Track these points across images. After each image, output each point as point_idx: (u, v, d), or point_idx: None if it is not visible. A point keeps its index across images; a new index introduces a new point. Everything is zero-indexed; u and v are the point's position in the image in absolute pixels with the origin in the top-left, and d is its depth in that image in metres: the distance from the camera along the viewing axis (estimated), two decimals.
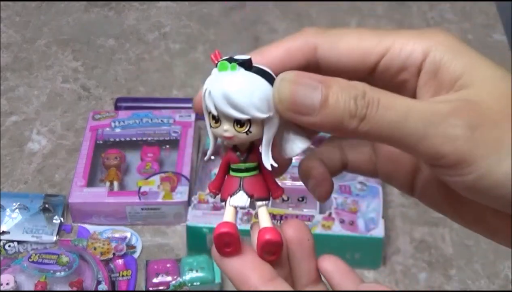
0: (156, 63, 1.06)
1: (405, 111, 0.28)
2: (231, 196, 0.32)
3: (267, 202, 0.33)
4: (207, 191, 0.34)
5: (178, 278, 0.74)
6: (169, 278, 0.74)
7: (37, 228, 0.82)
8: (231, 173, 0.32)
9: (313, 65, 0.33)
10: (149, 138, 0.90)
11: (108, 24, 1.14)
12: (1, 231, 0.81)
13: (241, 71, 0.30)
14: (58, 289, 0.74)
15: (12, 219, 0.82)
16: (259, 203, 0.32)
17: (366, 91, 0.29)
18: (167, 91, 1.01)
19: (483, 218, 0.33)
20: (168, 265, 0.76)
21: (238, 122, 0.30)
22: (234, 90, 0.30)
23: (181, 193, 0.82)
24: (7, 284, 0.73)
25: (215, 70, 0.31)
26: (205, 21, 1.14)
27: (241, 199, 0.32)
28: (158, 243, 0.82)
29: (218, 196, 0.33)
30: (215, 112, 0.30)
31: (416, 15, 1.16)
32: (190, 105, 0.95)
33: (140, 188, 0.83)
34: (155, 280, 0.74)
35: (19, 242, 0.80)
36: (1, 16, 1.15)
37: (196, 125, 0.91)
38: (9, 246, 0.80)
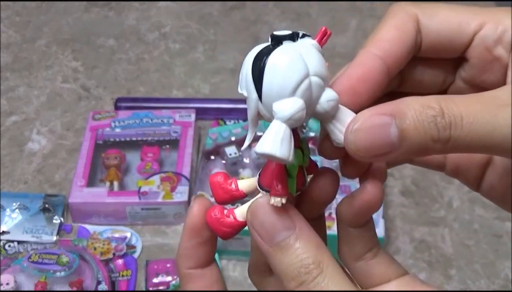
0: (156, 63, 1.06)
1: (492, 121, 0.27)
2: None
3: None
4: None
5: (178, 278, 0.74)
6: (169, 278, 0.74)
7: (37, 228, 0.82)
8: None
9: (418, 39, 0.32)
10: (149, 138, 0.90)
11: (108, 24, 1.14)
12: (1, 231, 0.81)
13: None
14: (58, 289, 0.74)
15: (12, 219, 0.82)
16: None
17: (443, 109, 0.27)
18: (167, 91, 1.01)
19: None
20: (168, 265, 0.76)
21: None
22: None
23: (181, 193, 0.82)
24: (7, 284, 0.73)
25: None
26: (205, 21, 1.14)
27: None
28: (158, 243, 0.82)
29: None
30: None
31: None
32: (190, 105, 0.95)
33: (140, 188, 0.83)
34: (155, 280, 0.75)
35: (19, 242, 0.80)
36: (1, 16, 1.15)
37: (196, 125, 0.91)
38: (9, 246, 0.80)
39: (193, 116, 0.91)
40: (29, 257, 0.75)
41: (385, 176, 0.32)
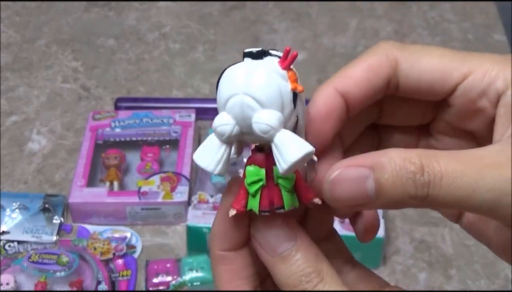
0: (156, 63, 1.06)
1: (472, 184, 0.26)
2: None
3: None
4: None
5: (178, 278, 0.74)
6: (169, 278, 0.74)
7: (37, 228, 0.82)
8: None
9: (393, 82, 0.31)
10: (149, 138, 0.90)
11: (108, 24, 1.14)
12: (1, 231, 0.81)
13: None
14: (58, 289, 0.74)
15: (12, 219, 0.82)
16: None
17: (424, 166, 0.26)
18: (167, 91, 1.01)
19: None
20: (168, 265, 0.76)
21: None
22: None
23: (181, 193, 0.82)
24: (7, 284, 0.73)
25: None
26: (205, 21, 1.14)
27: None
28: (158, 243, 0.82)
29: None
30: None
31: (416, 15, 1.16)
32: (190, 105, 0.95)
33: (140, 188, 0.83)
34: (155, 280, 0.75)
35: (19, 242, 0.80)
36: (1, 16, 1.15)
37: (196, 125, 0.91)
38: (9, 246, 0.80)
39: (193, 116, 0.91)
40: (29, 257, 0.75)
41: (378, 224, 0.33)
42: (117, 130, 0.90)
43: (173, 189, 0.83)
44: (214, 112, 0.30)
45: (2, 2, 1.17)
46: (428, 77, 0.31)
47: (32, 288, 0.73)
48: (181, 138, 0.89)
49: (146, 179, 0.85)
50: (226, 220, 0.31)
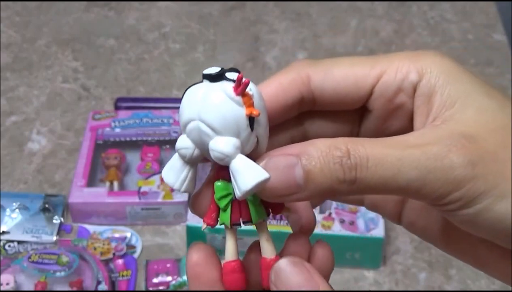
0: (156, 63, 1.06)
1: (397, 164, 0.27)
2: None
3: (269, 217, 0.31)
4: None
5: (178, 278, 0.74)
6: (169, 278, 0.74)
7: (37, 228, 0.82)
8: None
9: (308, 98, 0.32)
10: (149, 138, 0.90)
11: (108, 24, 1.14)
12: (1, 231, 0.81)
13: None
14: (58, 289, 0.74)
15: (12, 219, 0.82)
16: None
17: (350, 150, 0.27)
18: (167, 91, 1.01)
19: (474, 250, 0.32)
20: (168, 265, 0.76)
21: None
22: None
23: (181, 193, 0.82)
24: (7, 284, 0.73)
25: None
26: (205, 21, 1.14)
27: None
28: (158, 243, 0.82)
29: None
30: None
31: (416, 15, 1.16)
32: None
33: (140, 188, 0.83)
34: (155, 280, 0.75)
35: (19, 242, 0.80)
36: (1, 16, 1.15)
37: None
38: (9, 246, 0.80)
39: None
40: (29, 257, 0.75)
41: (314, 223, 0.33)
42: (117, 130, 0.90)
43: (173, 189, 0.82)
44: None
45: (2, 2, 1.17)
46: (342, 86, 0.31)
47: (32, 288, 0.73)
48: None
49: (146, 179, 0.85)
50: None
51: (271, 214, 0.31)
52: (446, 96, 0.29)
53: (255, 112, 0.28)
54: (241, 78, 0.28)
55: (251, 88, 0.29)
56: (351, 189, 0.27)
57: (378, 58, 0.31)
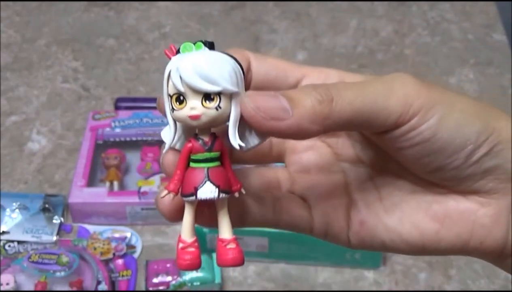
0: (156, 63, 1.06)
1: (362, 85, 0.31)
2: (197, 189, 0.31)
3: (228, 196, 0.31)
4: (164, 192, 0.33)
5: (178, 278, 0.74)
6: (169, 278, 0.74)
7: (37, 228, 0.82)
8: (193, 165, 0.31)
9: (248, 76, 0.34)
10: (149, 138, 0.90)
11: (108, 24, 1.14)
12: (1, 231, 0.81)
13: (207, 49, 0.30)
14: (58, 289, 0.74)
15: (12, 219, 0.82)
16: (221, 197, 0.31)
17: (319, 84, 0.30)
18: None
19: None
20: (168, 265, 0.76)
21: (207, 98, 0.30)
22: (205, 62, 0.29)
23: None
24: (7, 284, 0.73)
25: (176, 56, 0.32)
26: (205, 21, 1.14)
27: (209, 190, 0.30)
28: (158, 243, 0.82)
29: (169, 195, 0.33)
30: (182, 89, 0.30)
31: (416, 15, 1.16)
32: None
33: (140, 188, 0.83)
34: (155, 280, 0.75)
35: (19, 242, 0.80)
36: (1, 16, 1.15)
37: None
38: (9, 246, 0.80)
39: None
40: (29, 257, 0.75)
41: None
42: (117, 130, 0.90)
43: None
44: None
45: (2, 2, 1.17)
46: (274, 73, 0.34)
47: (32, 288, 0.73)
48: None
49: (146, 179, 0.85)
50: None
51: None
52: None
53: None
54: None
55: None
56: (332, 110, 0.29)
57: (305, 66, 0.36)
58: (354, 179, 0.36)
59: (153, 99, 1.06)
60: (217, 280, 0.74)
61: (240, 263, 0.31)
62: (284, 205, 0.35)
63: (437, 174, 0.32)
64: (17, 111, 0.99)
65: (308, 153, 0.37)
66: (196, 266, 0.31)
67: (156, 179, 0.84)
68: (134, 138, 0.90)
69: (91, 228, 0.82)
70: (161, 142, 0.32)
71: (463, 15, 1.15)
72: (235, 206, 0.33)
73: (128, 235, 0.82)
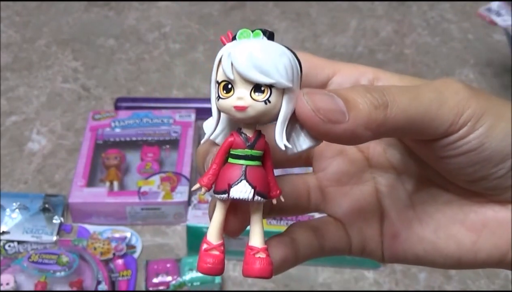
0: (156, 63, 1.06)
1: (415, 91, 0.29)
2: (231, 186, 0.28)
3: (264, 200, 0.29)
4: (196, 186, 0.29)
5: (178, 278, 0.74)
6: (169, 278, 0.74)
7: (37, 228, 0.82)
8: (231, 160, 0.28)
9: None
10: (149, 138, 0.90)
11: (108, 24, 1.14)
12: (1, 231, 0.81)
13: (265, 39, 0.28)
14: (58, 289, 0.74)
15: (12, 219, 0.82)
16: (256, 199, 0.28)
17: (371, 86, 0.30)
18: (167, 91, 1.01)
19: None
20: (168, 265, 0.76)
21: (257, 90, 0.27)
22: (261, 50, 0.27)
23: (181, 193, 0.82)
24: (7, 284, 0.73)
25: (231, 42, 0.28)
26: (205, 21, 1.14)
27: (244, 189, 0.28)
28: (158, 243, 0.82)
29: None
30: (231, 76, 0.27)
31: (416, 15, 1.16)
32: (190, 105, 0.95)
33: (140, 188, 0.83)
34: (155, 280, 0.75)
35: (19, 242, 0.80)
36: (1, 16, 1.15)
37: (196, 125, 0.91)
38: (9, 246, 0.80)
39: (193, 116, 0.91)
40: (29, 257, 0.75)
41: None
42: (117, 130, 0.90)
43: (173, 189, 0.83)
44: None
45: (2, 2, 1.17)
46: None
47: (32, 288, 0.73)
48: (181, 139, 0.89)
49: (146, 179, 0.85)
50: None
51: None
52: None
53: None
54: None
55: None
56: (387, 115, 0.28)
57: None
58: (385, 187, 0.34)
59: (153, 99, 1.07)
60: (217, 280, 0.74)
61: (267, 275, 0.29)
62: (324, 232, 0.34)
63: (480, 183, 0.31)
64: (17, 111, 0.99)
65: (338, 159, 0.35)
66: (218, 272, 0.29)
67: (156, 179, 0.84)
68: (134, 138, 0.90)
69: (91, 228, 0.82)
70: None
71: (463, 15, 1.15)
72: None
73: (128, 235, 0.82)
